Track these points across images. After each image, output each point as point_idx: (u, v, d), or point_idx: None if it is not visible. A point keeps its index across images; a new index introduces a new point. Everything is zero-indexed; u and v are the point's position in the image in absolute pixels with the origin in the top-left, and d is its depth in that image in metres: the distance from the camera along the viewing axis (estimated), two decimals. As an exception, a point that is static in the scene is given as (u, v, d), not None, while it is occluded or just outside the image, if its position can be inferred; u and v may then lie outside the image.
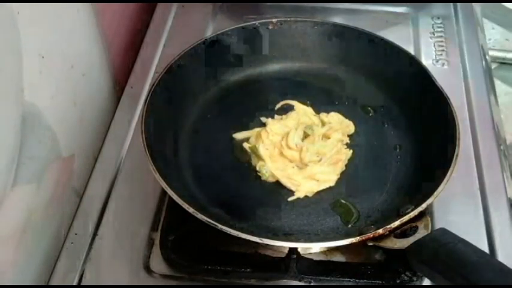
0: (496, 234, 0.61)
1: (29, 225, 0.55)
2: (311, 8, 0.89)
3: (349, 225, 0.59)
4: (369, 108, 0.70)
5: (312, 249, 0.59)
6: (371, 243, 0.53)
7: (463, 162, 0.58)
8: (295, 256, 0.57)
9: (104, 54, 0.75)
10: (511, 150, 0.72)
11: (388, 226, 0.52)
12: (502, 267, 0.47)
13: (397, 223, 0.51)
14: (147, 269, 0.59)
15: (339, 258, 0.60)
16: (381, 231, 0.51)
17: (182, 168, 0.64)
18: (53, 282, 0.59)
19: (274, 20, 0.72)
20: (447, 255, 0.48)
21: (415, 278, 0.57)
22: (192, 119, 0.69)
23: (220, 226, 0.51)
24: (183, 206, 0.52)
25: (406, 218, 0.52)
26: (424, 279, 0.57)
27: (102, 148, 0.71)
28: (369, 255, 0.59)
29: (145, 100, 0.62)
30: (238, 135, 0.67)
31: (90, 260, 0.60)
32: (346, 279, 0.57)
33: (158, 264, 0.59)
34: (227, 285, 0.58)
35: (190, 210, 0.52)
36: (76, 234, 0.63)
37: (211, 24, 0.87)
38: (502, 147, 0.71)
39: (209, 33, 0.84)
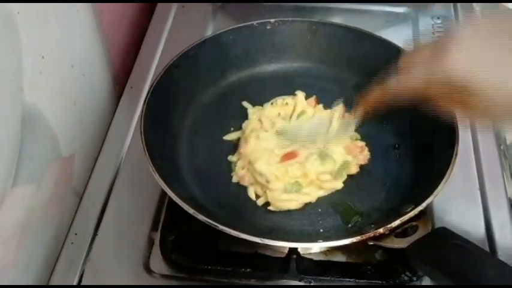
0: (496, 234, 0.61)
1: (28, 225, 0.55)
2: (311, 8, 0.89)
3: (350, 225, 0.59)
4: (369, 108, 0.70)
5: (312, 249, 0.59)
6: (372, 243, 0.53)
7: (463, 162, 0.58)
8: (295, 256, 0.57)
9: (104, 54, 0.75)
10: (511, 150, 0.72)
11: (388, 225, 0.52)
12: (504, 266, 0.47)
13: (397, 222, 0.52)
14: (147, 269, 0.59)
15: (339, 258, 0.60)
16: (381, 230, 0.51)
17: (182, 168, 0.64)
18: (53, 282, 0.59)
19: (272, 20, 0.72)
20: (448, 255, 0.49)
21: (415, 278, 0.57)
22: (192, 119, 0.69)
23: (220, 227, 0.51)
24: (183, 207, 0.52)
25: (406, 217, 0.52)
26: (424, 279, 0.57)
27: (102, 148, 0.71)
28: (369, 255, 0.59)
29: (145, 100, 0.62)
30: (228, 137, 0.67)
31: (90, 260, 0.60)
32: (346, 279, 0.57)
33: (158, 264, 0.59)
34: (227, 285, 0.58)
35: (191, 211, 0.52)
36: (76, 234, 0.63)
37: (211, 24, 0.87)
38: (502, 147, 0.71)
39: (209, 33, 0.84)
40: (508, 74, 0.45)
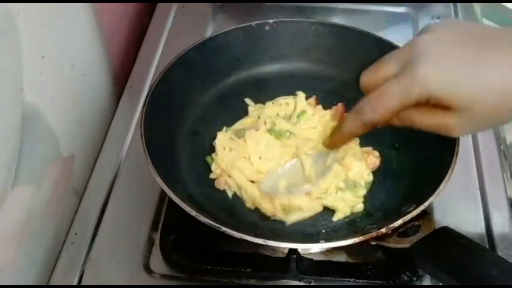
0: (496, 234, 0.61)
1: (28, 225, 0.55)
2: (311, 8, 0.89)
3: (351, 225, 0.59)
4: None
5: (312, 249, 0.59)
6: (374, 243, 0.53)
7: (463, 161, 0.58)
8: (295, 256, 0.57)
9: (104, 54, 0.75)
10: (511, 150, 0.72)
11: (391, 225, 0.51)
12: (509, 265, 0.47)
13: (400, 222, 0.51)
14: (147, 269, 0.59)
15: (339, 258, 0.60)
16: (384, 230, 0.51)
17: (182, 169, 0.63)
18: (53, 282, 0.59)
19: (270, 21, 0.72)
20: (453, 254, 0.48)
21: (415, 278, 0.57)
22: (192, 120, 0.68)
23: (223, 228, 0.51)
24: (186, 209, 0.52)
25: (408, 216, 0.52)
26: (424, 279, 0.57)
27: (102, 148, 0.71)
28: (369, 255, 0.59)
29: (145, 100, 0.62)
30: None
31: (90, 260, 0.60)
32: (346, 279, 0.57)
33: (158, 264, 0.59)
34: (227, 285, 0.58)
35: (193, 213, 0.52)
36: (76, 234, 0.63)
37: (211, 24, 0.87)
38: (502, 147, 0.71)
39: (209, 33, 0.84)
40: (480, 77, 0.44)
